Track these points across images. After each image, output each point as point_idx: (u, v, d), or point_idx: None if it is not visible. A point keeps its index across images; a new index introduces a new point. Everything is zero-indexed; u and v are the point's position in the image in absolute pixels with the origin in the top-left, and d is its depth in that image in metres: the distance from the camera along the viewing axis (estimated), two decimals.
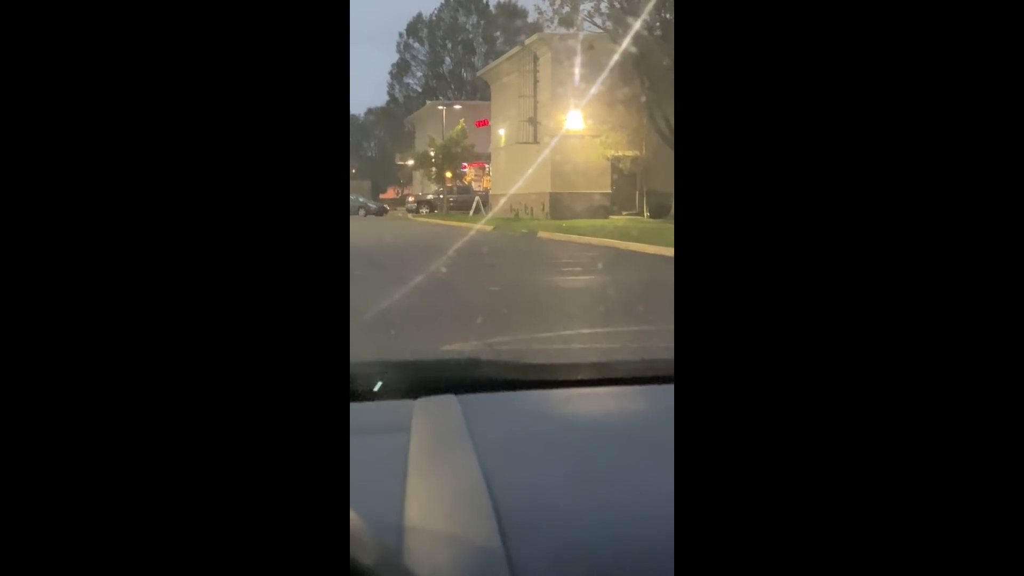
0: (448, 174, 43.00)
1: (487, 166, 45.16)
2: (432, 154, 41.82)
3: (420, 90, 64.60)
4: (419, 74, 65.60)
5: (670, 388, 1.11)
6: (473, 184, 44.65)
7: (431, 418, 1.02)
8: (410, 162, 60.69)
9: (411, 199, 47.72)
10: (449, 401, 1.10)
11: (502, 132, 36.02)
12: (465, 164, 41.67)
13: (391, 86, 66.75)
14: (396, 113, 66.37)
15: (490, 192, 40.86)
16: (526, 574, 0.62)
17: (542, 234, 20.81)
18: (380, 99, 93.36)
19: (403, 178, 63.12)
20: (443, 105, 44.45)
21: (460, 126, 41.07)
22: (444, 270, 11.75)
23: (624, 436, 0.99)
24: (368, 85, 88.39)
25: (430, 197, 44.35)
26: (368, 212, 43.67)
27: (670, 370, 1.19)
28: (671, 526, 0.63)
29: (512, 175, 32.51)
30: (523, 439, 0.96)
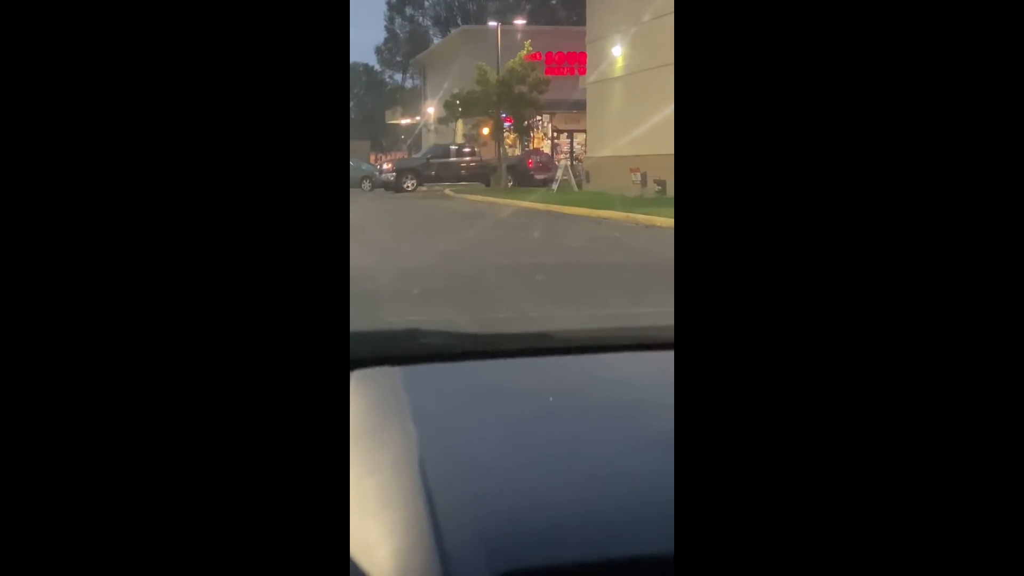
0: (484, 130, 28.38)
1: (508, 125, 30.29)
2: (458, 101, 26.93)
3: (429, 23, 49.67)
4: (426, 3, 50.50)
5: (617, 356, 1.17)
6: (508, 148, 29.68)
7: (368, 391, 0.98)
8: (403, 121, 46.80)
9: (386, 165, 30.29)
10: (388, 373, 1.05)
11: (618, 51, 21.40)
12: (510, 117, 26.76)
13: (390, 18, 51.79)
14: (380, 69, 52.02)
15: (582, 153, 26.38)
16: (456, 556, 0.61)
17: None
18: (365, 47, 77.90)
19: (388, 141, 48.60)
20: (497, 22, 28.96)
21: (526, 49, 26.35)
22: None
23: (567, 407, 0.97)
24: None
25: (430, 161, 27.90)
26: (375, 184, 28.04)
27: (619, 339, 1.26)
28: (611, 496, 0.69)
29: (640, 122, 18.19)
30: (464, 412, 0.94)
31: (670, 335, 1.07)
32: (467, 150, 28.45)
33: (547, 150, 32.07)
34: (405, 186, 26.68)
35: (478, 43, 31.52)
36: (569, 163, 23.96)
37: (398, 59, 51.76)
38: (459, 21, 46.46)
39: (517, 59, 25.99)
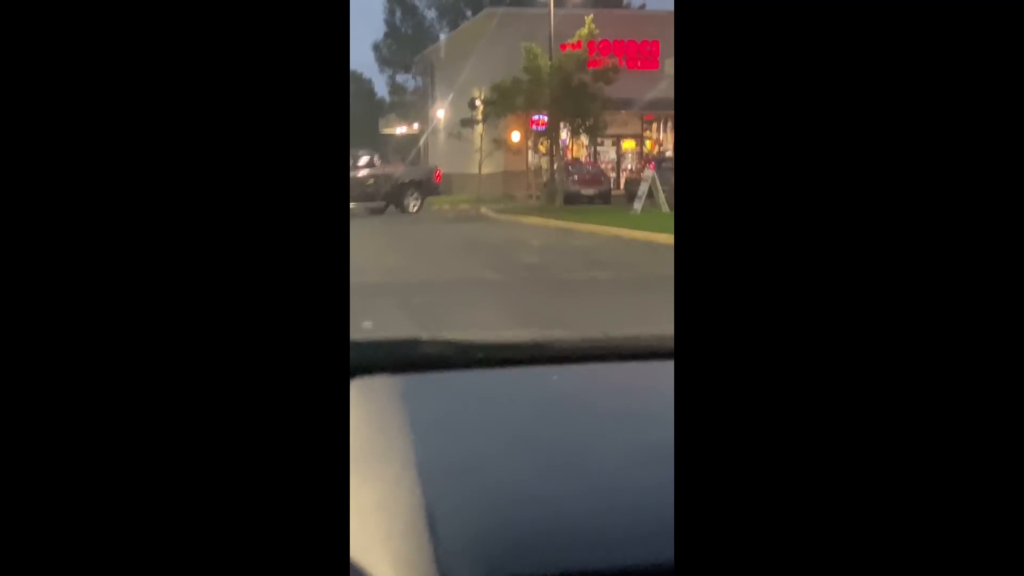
0: (514, 134, 22.44)
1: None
2: (479, 98, 20.99)
3: (434, 16, 43.72)
4: None
5: (615, 366, 1.18)
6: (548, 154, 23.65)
7: (368, 399, 0.98)
8: (400, 130, 40.97)
9: None
10: (385, 382, 1.05)
11: None
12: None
13: (389, 10, 45.71)
14: (380, 69, 46.11)
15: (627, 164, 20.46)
16: (453, 565, 0.61)
17: None
18: (360, 46, 71.81)
19: (382, 154, 42.54)
20: None
21: (588, 26, 20.49)
22: None
23: (565, 416, 0.98)
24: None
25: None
26: (426, 192, 20.78)
27: (617, 348, 1.24)
28: (609, 505, 0.69)
29: None
30: (462, 421, 0.95)
31: (669, 345, 1.04)
32: (373, 161, 21.39)
33: (574, 159, 26.24)
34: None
35: (511, 27, 25.68)
36: (656, 175, 18.01)
37: (399, 56, 45.83)
38: (468, 13, 40.57)
39: (578, 35, 20.18)
